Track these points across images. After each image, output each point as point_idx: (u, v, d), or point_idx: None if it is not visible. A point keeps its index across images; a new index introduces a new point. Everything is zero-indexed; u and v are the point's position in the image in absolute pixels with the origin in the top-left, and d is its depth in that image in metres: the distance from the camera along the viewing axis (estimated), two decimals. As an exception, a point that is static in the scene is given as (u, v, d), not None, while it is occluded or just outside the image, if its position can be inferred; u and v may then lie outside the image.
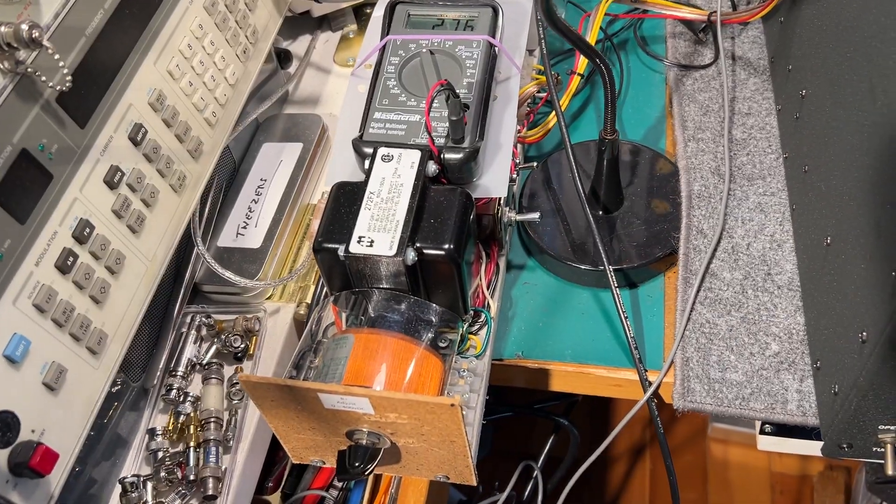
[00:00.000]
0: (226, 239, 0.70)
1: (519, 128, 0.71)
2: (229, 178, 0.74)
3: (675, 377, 0.59)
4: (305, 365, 0.55)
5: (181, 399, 0.63)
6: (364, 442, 0.52)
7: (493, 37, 0.63)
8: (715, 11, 0.75)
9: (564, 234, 0.67)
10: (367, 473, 0.52)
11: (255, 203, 0.72)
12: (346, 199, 0.56)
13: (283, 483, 0.69)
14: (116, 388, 0.62)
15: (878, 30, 0.46)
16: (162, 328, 0.66)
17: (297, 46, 0.89)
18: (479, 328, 0.61)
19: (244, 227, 0.70)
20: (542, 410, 0.86)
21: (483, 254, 0.64)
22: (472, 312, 0.61)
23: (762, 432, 0.63)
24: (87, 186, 0.51)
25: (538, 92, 0.73)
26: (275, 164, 0.75)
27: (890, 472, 0.52)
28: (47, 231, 0.48)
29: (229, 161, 0.75)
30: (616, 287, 0.61)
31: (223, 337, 0.65)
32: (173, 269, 0.67)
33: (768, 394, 0.58)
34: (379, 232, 0.53)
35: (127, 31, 0.55)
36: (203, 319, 0.66)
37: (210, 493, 0.57)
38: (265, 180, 0.73)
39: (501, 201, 0.61)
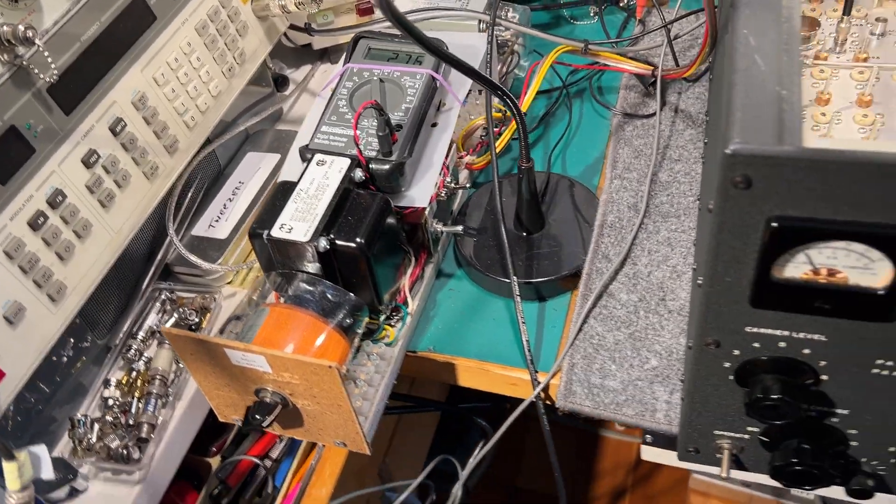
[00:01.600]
0: (199, 229, 0.80)
1: (463, 154, 0.80)
2: (213, 179, 0.85)
3: (561, 380, 0.66)
4: (228, 329, 0.64)
5: (137, 358, 0.72)
6: (268, 399, 0.60)
7: (437, 72, 0.72)
8: (657, 67, 0.83)
9: (488, 250, 0.75)
10: (265, 426, 0.60)
11: (230, 202, 0.82)
12: (282, 195, 0.65)
13: (223, 449, 0.78)
14: (85, 344, 0.72)
15: (727, 81, 0.54)
16: (131, 298, 0.76)
17: (299, 74, 1.00)
18: (398, 321, 0.70)
19: (216, 221, 0.80)
20: (465, 410, 0.93)
21: (413, 258, 0.72)
22: (392, 306, 0.69)
23: (644, 442, 0.69)
24: (65, 163, 0.62)
25: (490, 125, 0.82)
26: (254, 170, 0.85)
27: (724, 475, 0.57)
28: (24, 194, 0.59)
29: (215, 165, 0.85)
30: (519, 296, 0.69)
31: (182, 310, 0.75)
32: (148, 249, 0.78)
33: (640, 402, 0.64)
34: (299, 221, 0.62)
35: (119, 42, 0.66)
36: (168, 294, 0.76)
37: (143, 436, 0.66)
38: (242, 183, 0.84)
39: (427, 213, 0.70)
